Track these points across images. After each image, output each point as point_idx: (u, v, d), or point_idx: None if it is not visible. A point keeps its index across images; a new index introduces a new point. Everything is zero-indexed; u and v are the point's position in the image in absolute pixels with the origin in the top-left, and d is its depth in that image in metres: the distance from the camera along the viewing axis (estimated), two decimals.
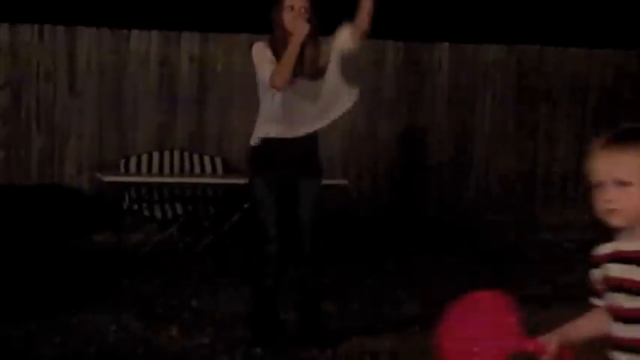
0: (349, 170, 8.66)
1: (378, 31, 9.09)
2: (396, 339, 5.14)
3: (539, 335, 2.50)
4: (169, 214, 7.69)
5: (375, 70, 8.85)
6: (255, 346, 4.84)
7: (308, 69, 4.76)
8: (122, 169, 7.81)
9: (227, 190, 7.78)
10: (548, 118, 9.23)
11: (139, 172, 7.84)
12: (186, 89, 8.50)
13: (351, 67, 4.80)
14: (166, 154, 8.06)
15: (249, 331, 4.95)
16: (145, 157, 7.97)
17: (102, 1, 9.46)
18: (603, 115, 9.27)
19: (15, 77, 8.23)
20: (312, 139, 4.86)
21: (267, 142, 4.78)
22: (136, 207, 7.59)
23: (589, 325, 2.53)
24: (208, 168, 8.09)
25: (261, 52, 4.76)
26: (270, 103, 4.77)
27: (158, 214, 7.66)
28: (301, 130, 4.79)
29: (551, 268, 7.36)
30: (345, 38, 4.73)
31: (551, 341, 2.45)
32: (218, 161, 8.13)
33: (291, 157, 4.78)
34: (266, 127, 4.79)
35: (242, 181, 7.44)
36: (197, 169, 8.04)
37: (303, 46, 4.71)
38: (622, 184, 2.40)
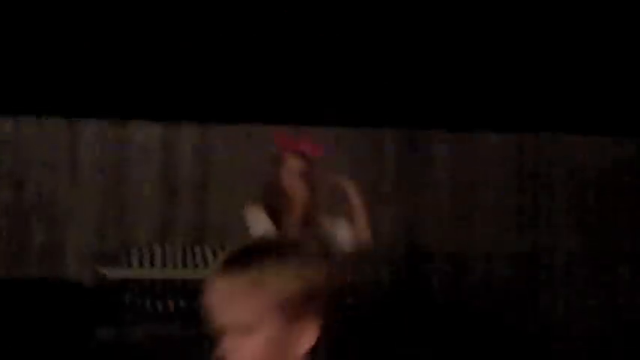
0: (349, 261, 8.61)
1: (376, 119, 9.21)
2: None
3: None
4: (172, 307, 7.63)
5: (373, 159, 8.88)
6: None
7: (315, 229, 4.65)
8: (124, 263, 7.76)
9: None
10: (549, 206, 9.24)
11: (140, 265, 7.80)
12: (188, 180, 8.51)
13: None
14: (168, 247, 8.03)
15: None
16: (146, 250, 7.94)
17: (103, 93, 9.52)
18: (605, 202, 9.29)
19: (17, 170, 8.24)
20: None
21: None
22: (138, 301, 7.53)
23: None
24: (211, 260, 8.05)
25: (255, 216, 4.64)
26: None
27: (160, 307, 7.60)
28: None
29: (558, 355, 7.30)
30: (342, 239, 4.69)
31: None
32: (220, 253, 8.09)
33: None
34: None
35: None
36: (200, 262, 8.00)
37: (306, 214, 4.62)
38: (240, 329, 1.81)
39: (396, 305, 8.70)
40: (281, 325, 1.74)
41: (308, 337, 1.73)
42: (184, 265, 7.94)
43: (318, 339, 1.71)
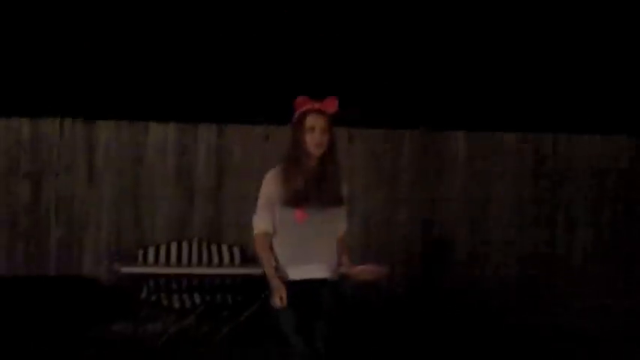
0: (367, 257, 8.62)
1: (395, 120, 9.23)
2: None
3: None
4: (187, 304, 7.67)
5: (392, 159, 8.91)
6: None
7: (326, 198, 4.64)
8: (140, 260, 7.82)
9: (245, 279, 7.77)
10: (566, 204, 9.22)
11: (157, 262, 7.85)
12: (204, 179, 8.57)
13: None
14: (184, 244, 8.08)
15: None
16: (163, 248, 7.99)
17: (120, 94, 9.60)
18: (621, 202, 9.27)
19: (35, 170, 8.33)
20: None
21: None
22: (154, 297, 7.58)
23: None
24: (226, 258, 8.09)
25: (267, 187, 4.70)
26: (286, 237, 4.63)
27: (176, 304, 7.65)
28: (318, 274, 4.70)
29: (573, 354, 7.28)
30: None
31: None
32: (236, 251, 8.14)
33: (312, 296, 4.64)
34: (284, 269, 4.63)
35: (260, 270, 7.45)
36: (215, 259, 8.04)
37: (322, 173, 4.67)
38: None
39: (412, 299, 8.70)
40: None
41: None
42: (200, 263, 7.99)
43: None
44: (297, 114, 4.65)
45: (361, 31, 9.67)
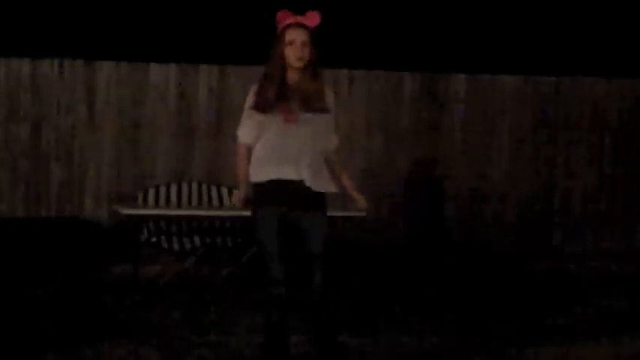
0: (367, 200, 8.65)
1: (394, 62, 9.19)
2: None
3: None
4: (187, 246, 7.71)
5: (391, 102, 8.90)
6: None
7: (308, 104, 4.71)
8: (140, 202, 7.84)
9: (245, 221, 7.78)
10: (566, 148, 9.22)
11: (157, 204, 7.87)
12: (204, 121, 8.56)
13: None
14: (184, 185, 8.09)
15: None
16: (163, 189, 8.01)
17: (120, 35, 9.56)
18: (622, 144, 9.27)
19: (34, 111, 8.32)
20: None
21: (263, 183, 4.73)
22: (154, 239, 7.61)
23: None
24: (226, 200, 8.11)
25: (248, 99, 4.72)
26: (261, 143, 4.68)
27: (176, 246, 7.68)
28: (295, 175, 4.72)
29: (572, 299, 7.33)
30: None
31: None
32: (236, 192, 8.14)
33: (291, 195, 4.71)
34: (259, 171, 4.70)
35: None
36: (215, 201, 8.06)
37: (305, 80, 4.69)
38: None
39: (412, 245, 8.74)
40: None
41: None
42: (200, 205, 8.01)
43: None
44: (279, 29, 4.66)
45: None
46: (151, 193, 7.96)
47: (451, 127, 9.02)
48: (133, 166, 8.41)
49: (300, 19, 4.68)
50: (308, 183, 4.68)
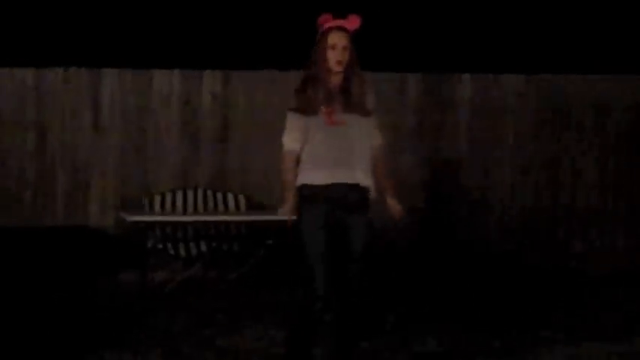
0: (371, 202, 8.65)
1: (398, 63, 9.19)
2: None
3: None
4: (194, 252, 7.73)
5: (396, 102, 8.90)
6: None
7: (350, 107, 4.71)
8: (146, 208, 7.86)
9: (251, 226, 7.81)
10: (571, 146, 9.20)
11: (163, 210, 7.90)
12: (209, 127, 8.58)
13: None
14: (190, 192, 8.11)
15: None
16: (168, 196, 8.03)
17: (124, 42, 9.57)
18: (627, 143, 9.25)
19: (40, 119, 8.35)
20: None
21: (310, 187, 4.70)
22: (160, 246, 7.63)
23: None
24: (232, 205, 8.13)
25: (291, 105, 4.70)
26: (311, 145, 4.68)
27: (182, 252, 7.70)
28: (351, 178, 4.72)
29: (578, 297, 7.32)
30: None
31: None
32: (241, 198, 8.17)
33: (341, 198, 4.71)
34: (312, 174, 4.68)
35: (265, 217, 7.50)
36: (221, 207, 8.08)
37: (347, 83, 4.71)
38: None
39: (415, 246, 8.74)
40: None
41: None
42: (205, 211, 8.03)
43: None
44: (320, 32, 4.70)
45: None
46: (157, 199, 7.99)
47: (456, 126, 9.01)
48: (139, 173, 8.43)
49: (341, 22, 4.72)
50: (363, 184, 4.71)
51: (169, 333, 6.06)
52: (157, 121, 8.52)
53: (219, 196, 8.15)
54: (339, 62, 4.64)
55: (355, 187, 4.69)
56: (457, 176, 8.99)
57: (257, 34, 9.75)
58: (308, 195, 4.65)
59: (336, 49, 4.65)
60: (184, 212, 7.94)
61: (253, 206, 8.19)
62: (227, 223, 7.82)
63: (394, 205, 4.89)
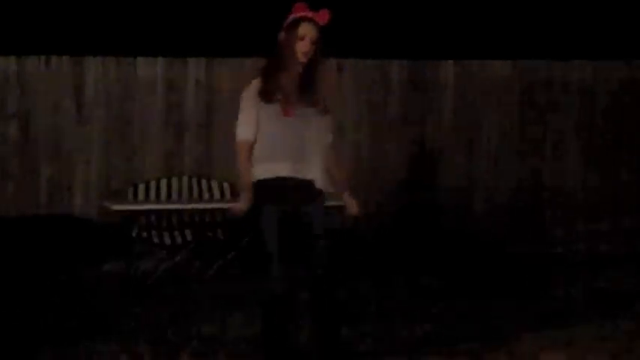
0: (355, 190, 8.64)
1: (382, 50, 9.17)
2: None
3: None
4: (179, 240, 7.70)
5: (380, 89, 8.88)
6: None
7: (309, 100, 4.71)
8: (130, 197, 7.83)
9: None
10: (555, 132, 9.22)
11: (147, 199, 7.86)
12: (193, 114, 8.54)
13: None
14: (174, 180, 8.08)
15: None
16: (153, 184, 7.99)
17: (107, 29, 9.52)
18: (610, 127, 9.27)
19: (23, 108, 8.29)
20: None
21: (268, 180, 4.70)
22: (145, 234, 7.60)
23: None
24: (217, 193, 8.10)
25: (248, 90, 4.69)
26: (265, 136, 4.69)
27: (167, 240, 7.67)
28: (307, 174, 4.72)
29: (563, 281, 7.35)
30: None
31: None
32: (226, 186, 8.14)
33: (295, 192, 4.71)
34: (265, 167, 4.70)
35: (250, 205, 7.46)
36: (205, 195, 8.05)
37: (309, 76, 4.70)
38: None
39: (400, 233, 8.74)
40: None
41: None
42: (190, 199, 8.00)
43: None
44: (290, 18, 4.70)
45: None
46: (141, 188, 7.95)
47: (440, 113, 9.00)
48: (123, 161, 8.39)
49: (312, 14, 4.71)
50: (318, 184, 4.71)
51: (154, 321, 6.05)
52: (141, 108, 8.48)
53: (204, 183, 8.12)
54: (305, 54, 4.65)
55: (309, 182, 4.70)
56: (442, 161, 8.99)
57: (241, 21, 9.71)
58: (263, 188, 4.64)
59: (304, 40, 4.65)
60: (169, 200, 7.91)
61: (238, 193, 8.14)
62: (212, 211, 7.79)
63: (350, 202, 4.90)
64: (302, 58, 4.65)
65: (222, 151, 8.49)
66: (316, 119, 4.72)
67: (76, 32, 9.34)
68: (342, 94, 8.78)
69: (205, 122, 8.55)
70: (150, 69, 8.51)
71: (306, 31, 4.66)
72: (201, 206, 7.69)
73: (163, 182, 8.03)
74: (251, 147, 4.70)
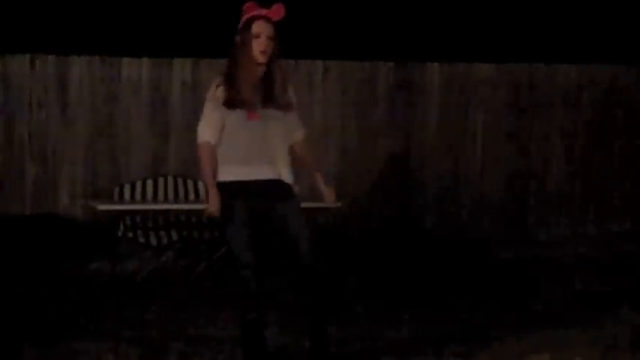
0: (343, 190, 8.66)
1: (369, 52, 9.18)
2: None
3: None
4: (165, 240, 7.68)
5: (366, 91, 8.89)
6: None
7: (272, 100, 4.67)
8: (116, 197, 7.80)
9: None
10: (540, 135, 9.26)
11: (133, 199, 7.84)
12: (179, 115, 8.53)
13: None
14: (160, 180, 8.06)
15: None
16: (139, 185, 7.97)
17: (92, 29, 9.49)
18: (595, 130, 9.33)
19: (7, 107, 8.25)
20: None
21: (231, 184, 4.67)
22: (130, 234, 7.58)
23: None
24: (202, 193, 8.08)
25: (212, 93, 4.66)
26: (230, 141, 4.66)
27: (153, 240, 7.65)
28: (273, 174, 4.73)
29: (548, 285, 7.37)
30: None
31: None
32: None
33: (263, 191, 4.70)
34: (232, 170, 4.67)
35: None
36: (191, 195, 8.03)
37: (269, 76, 4.66)
38: None
39: (388, 233, 8.75)
40: None
41: None
42: (176, 199, 7.98)
43: None
44: (243, 19, 4.65)
45: None
46: (127, 188, 7.92)
47: (426, 115, 9.02)
48: (108, 162, 8.37)
49: (266, 12, 4.67)
50: (287, 181, 4.70)
51: (141, 321, 6.03)
52: (127, 109, 8.46)
53: (190, 184, 8.10)
54: (263, 52, 4.59)
55: (277, 181, 4.69)
56: (428, 163, 9.01)
57: (226, 21, 9.69)
58: (229, 192, 4.63)
59: (260, 38, 4.60)
60: (155, 200, 7.88)
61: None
62: (198, 212, 7.77)
63: (326, 192, 4.87)
64: (261, 59, 4.60)
65: None
66: (281, 118, 4.70)
67: (61, 32, 9.31)
68: (328, 95, 8.79)
69: (191, 122, 8.51)
70: (135, 69, 8.49)
71: (261, 29, 4.60)
72: (186, 207, 7.66)
73: (149, 182, 8.01)
74: (213, 149, 4.67)
